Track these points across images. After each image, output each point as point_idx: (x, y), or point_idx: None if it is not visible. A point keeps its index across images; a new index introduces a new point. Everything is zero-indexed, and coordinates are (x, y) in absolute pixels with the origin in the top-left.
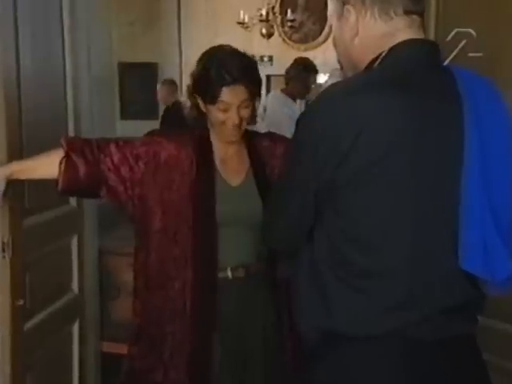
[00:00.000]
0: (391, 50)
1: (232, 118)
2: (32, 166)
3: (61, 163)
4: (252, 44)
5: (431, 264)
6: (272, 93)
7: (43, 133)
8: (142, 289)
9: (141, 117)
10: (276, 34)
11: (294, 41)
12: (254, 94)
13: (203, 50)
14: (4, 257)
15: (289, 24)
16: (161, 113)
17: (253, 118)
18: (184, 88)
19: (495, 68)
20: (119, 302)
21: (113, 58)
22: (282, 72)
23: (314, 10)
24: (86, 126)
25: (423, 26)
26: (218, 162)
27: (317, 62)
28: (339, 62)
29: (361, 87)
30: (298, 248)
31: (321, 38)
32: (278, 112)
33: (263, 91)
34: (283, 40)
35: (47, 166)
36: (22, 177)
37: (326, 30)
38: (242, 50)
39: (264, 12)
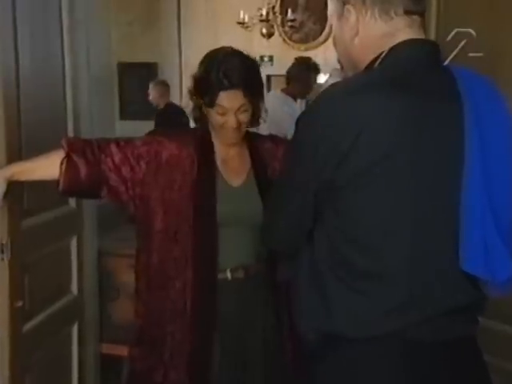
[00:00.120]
0: (391, 49)
1: (230, 121)
2: (32, 167)
3: (62, 164)
4: (252, 44)
5: (431, 264)
6: (272, 92)
7: (42, 133)
8: (143, 290)
9: (140, 117)
10: (276, 33)
11: (294, 41)
12: (254, 99)
13: (203, 50)
14: (3, 258)
15: (289, 24)
16: None
17: (256, 121)
18: (184, 88)
19: (495, 68)
20: (119, 303)
21: (112, 58)
22: (283, 72)
23: (315, 9)
24: (85, 126)
25: (424, 26)
26: (219, 162)
27: (317, 61)
28: (339, 61)
29: (361, 87)
30: (298, 249)
31: (321, 38)
32: (278, 111)
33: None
34: (283, 40)
35: (47, 167)
36: (23, 178)
37: (327, 29)
38: (245, 53)
39: (264, 12)
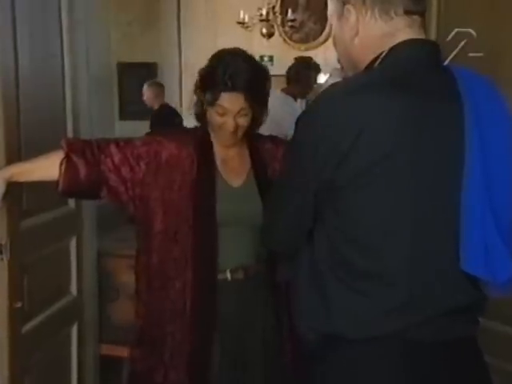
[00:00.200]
0: (391, 49)
1: (228, 123)
2: (31, 168)
3: (61, 164)
4: (252, 44)
5: (431, 264)
6: (272, 92)
7: (42, 133)
8: (143, 291)
9: (139, 117)
10: (276, 33)
11: (294, 41)
12: (255, 104)
13: (203, 50)
14: (2, 259)
15: (289, 24)
16: None
17: (256, 126)
18: (184, 89)
19: (495, 68)
20: (118, 304)
21: (112, 59)
22: (283, 72)
23: (315, 9)
24: (84, 127)
25: (424, 26)
26: (218, 162)
27: (317, 61)
28: (339, 61)
29: (361, 87)
30: (298, 249)
31: (321, 38)
32: (278, 110)
33: None
34: (284, 40)
35: (47, 167)
36: (22, 179)
37: (327, 29)
38: (257, 60)
39: (264, 12)
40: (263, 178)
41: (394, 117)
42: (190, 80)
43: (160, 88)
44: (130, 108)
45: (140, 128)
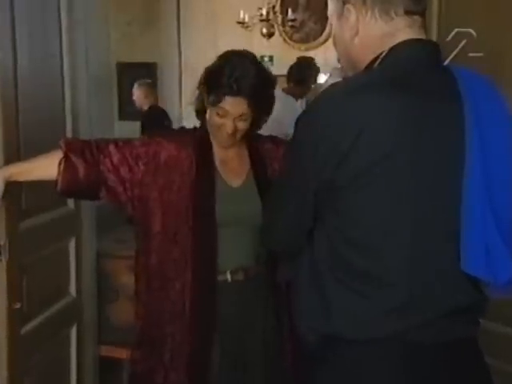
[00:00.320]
0: (391, 49)
1: (227, 125)
2: (30, 167)
3: (60, 164)
4: (252, 44)
5: (431, 265)
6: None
7: (41, 133)
8: (143, 291)
9: (139, 117)
10: (276, 33)
11: (294, 40)
12: (257, 111)
13: (203, 50)
14: (0, 259)
15: (289, 24)
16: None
17: (255, 130)
18: (183, 89)
19: (496, 68)
20: (118, 305)
21: (111, 58)
22: (283, 72)
23: (315, 9)
24: (83, 127)
25: (425, 26)
26: (218, 162)
27: (317, 61)
28: (339, 61)
29: (361, 87)
30: (298, 249)
31: (322, 38)
32: (279, 109)
33: None
34: (284, 40)
35: (46, 167)
36: (21, 179)
37: (327, 29)
38: (265, 67)
39: (264, 11)
40: (263, 178)
41: (394, 117)
42: (189, 80)
43: (150, 88)
44: (129, 108)
45: (139, 128)
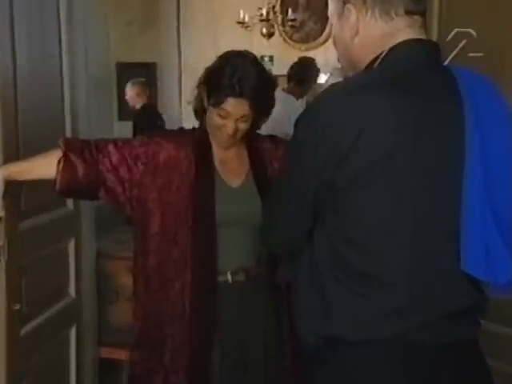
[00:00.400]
0: (391, 49)
1: (228, 126)
2: (29, 166)
3: (59, 163)
4: (252, 44)
5: (431, 265)
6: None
7: (40, 133)
8: (141, 292)
9: None
10: (277, 33)
11: (294, 40)
12: (258, 112)
13: (202, 50)
14: (0, 260)
15: (290, 23)
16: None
17: (254, 131)
18: (183, 89)
19: (496, 68)
20: (117, 305)
21: (110, 58)
22: (283, 72)
23: (315, 9)
24: (83, 127)
25: (425, 26)
26: (217, 163)
27: (318, 61)
28: (339, 61)
29: (361, 87)
30: (298, 249)
31: (322, 38)
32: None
33: None
34: (284, 40)
35: (45, 166)
36: (20, 178)
37: (327, 29)
38: (266, 69)
39: (264, 11)
40: (262, 178)
41: (394, 117)
42: (189, 80)
43: (143, 87)
44: (128, 108)
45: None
